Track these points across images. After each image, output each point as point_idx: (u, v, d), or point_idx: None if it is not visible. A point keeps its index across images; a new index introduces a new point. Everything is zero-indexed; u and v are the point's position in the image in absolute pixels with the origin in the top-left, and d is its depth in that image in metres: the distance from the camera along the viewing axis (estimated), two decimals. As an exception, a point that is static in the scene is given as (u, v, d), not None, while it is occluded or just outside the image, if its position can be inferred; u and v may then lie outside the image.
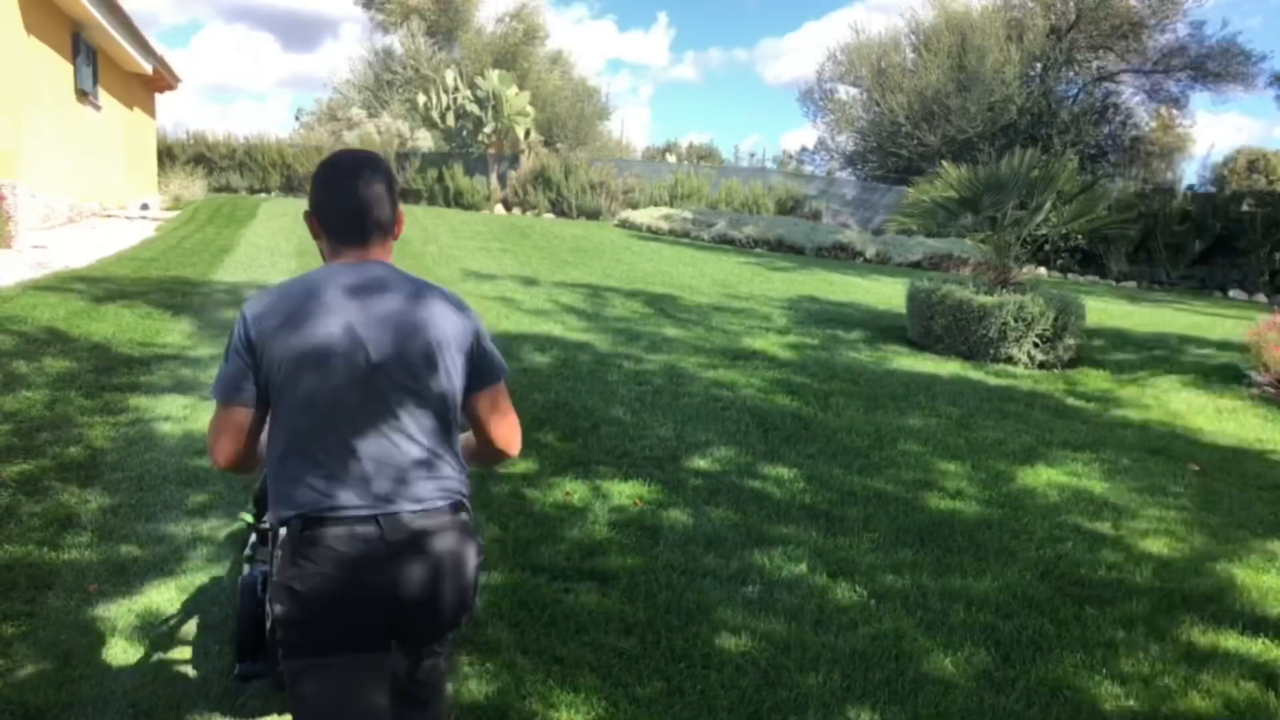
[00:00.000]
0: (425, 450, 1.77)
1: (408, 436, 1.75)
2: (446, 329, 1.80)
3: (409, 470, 1.75)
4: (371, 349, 1.73)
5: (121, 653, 2.79)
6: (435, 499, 1.77)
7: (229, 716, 2.56)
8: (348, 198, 1.85)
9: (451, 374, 1.80)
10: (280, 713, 2.58)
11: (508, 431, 1.95)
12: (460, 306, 1.87)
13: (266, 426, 1.81)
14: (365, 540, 1.68)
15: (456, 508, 1.80)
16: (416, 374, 1.76)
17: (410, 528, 1.72)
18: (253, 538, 2.60)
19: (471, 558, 1.82)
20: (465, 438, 1.96)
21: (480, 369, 1.87)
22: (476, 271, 11.21)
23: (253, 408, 1.75)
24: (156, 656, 2.79)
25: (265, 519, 2.35)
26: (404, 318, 1.77)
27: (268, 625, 2.14)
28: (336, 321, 1.73)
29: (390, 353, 1.75)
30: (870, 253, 18.18)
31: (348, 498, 1.70)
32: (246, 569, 2.54)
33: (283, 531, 1.76)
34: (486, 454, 1.98)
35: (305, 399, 1.71)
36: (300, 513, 1.70)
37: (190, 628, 2.97)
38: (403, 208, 1.96)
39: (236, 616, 2.42)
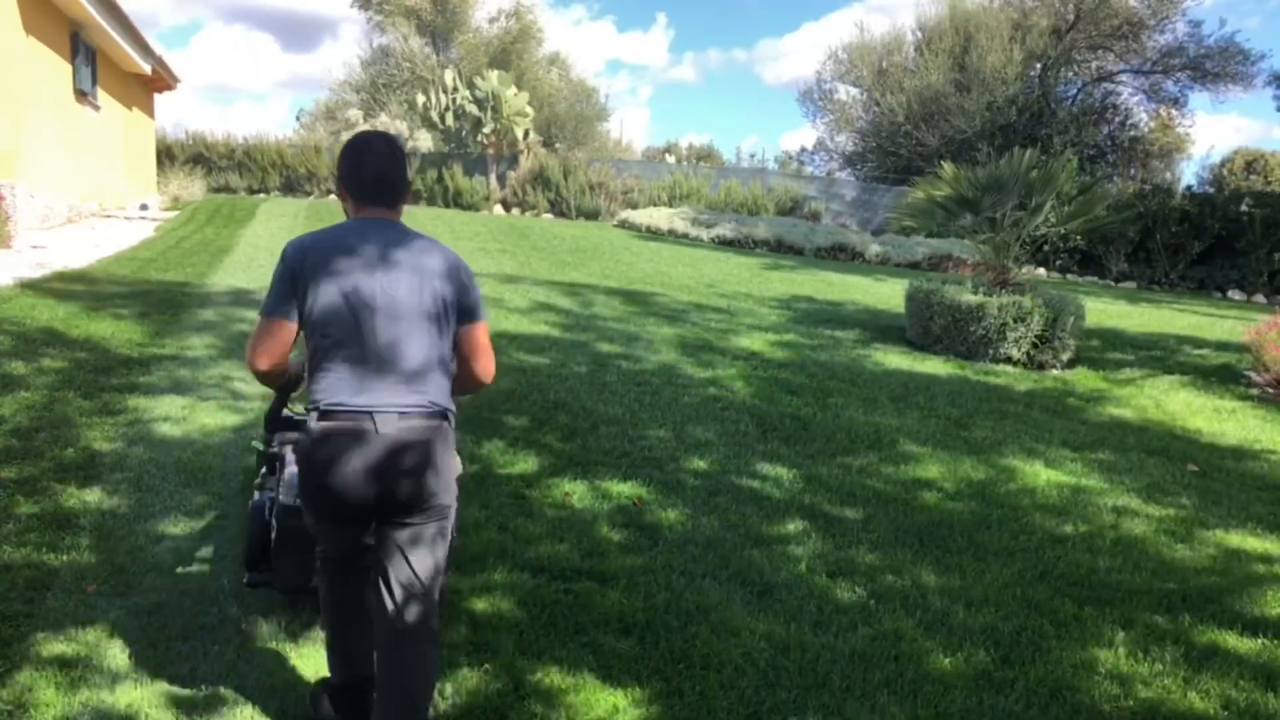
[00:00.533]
0: (419, 368, 2.21)
1: (407, 355, 2.20)
2: (445, 273, 2.28)
3: (404, 381, 2.20)
4: (387, 284, 2.20)
5: (120, 654, 2.79)
6: (420, 405, 2.21)
7: (228, 717, 2.56)
8: (369, 167, 2.33)
9: (447, 308, 2.27)
10: (278, 715, 2.58)
11: (486, 362, 2.38)
12: (455, 257, 2.35)
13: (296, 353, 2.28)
14: (360, 431, 2.16)
15: (437, 415, 2.25)
16: (421, 305, 2.22)
17: (395, 424, 2.18)
18: (263, 469, 3.03)
19: (443, 452, 2.25)
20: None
21: (468, 307, 2.33)
22: (475, 272, 11.16)
23: (293, 322, 2.22)
24: (155, 657, 2.79)
25: (274, 444, 2.89)
26: (413, 261, 2.24)
27: (273, 540, 2.68)
28: (360, 260, 2.20)
29: (401, 288, 2.21)
30: (870, 253, 18.18)
31: (353, 399, 2.18)
32: (256, 495, 2.98)
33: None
34: (467, 382, 2.39)
35: (331, 321, 2.18)
36: (316, 407, 2.20)
37: (188, 628, 2.96)
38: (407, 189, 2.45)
39: (246, 533, 2.85)
